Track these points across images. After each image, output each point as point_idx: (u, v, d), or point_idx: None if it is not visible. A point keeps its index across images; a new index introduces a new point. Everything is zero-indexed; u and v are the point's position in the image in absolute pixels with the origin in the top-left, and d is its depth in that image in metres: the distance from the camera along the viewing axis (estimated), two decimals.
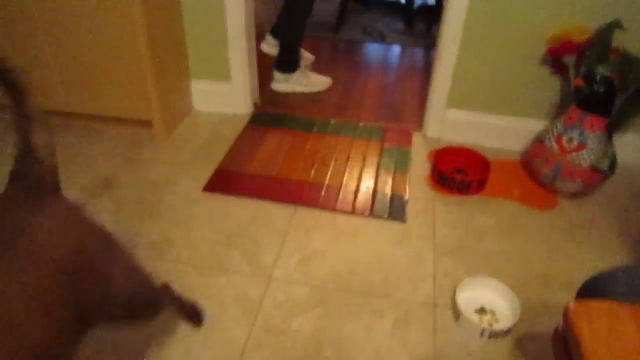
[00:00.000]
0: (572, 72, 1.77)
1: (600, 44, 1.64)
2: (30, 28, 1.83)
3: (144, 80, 1.86)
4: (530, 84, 1.88)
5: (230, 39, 2.01)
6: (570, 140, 1.62)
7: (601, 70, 1.54)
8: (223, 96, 2.16)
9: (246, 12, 1.97)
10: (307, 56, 2.70)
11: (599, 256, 1.51)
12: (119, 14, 1.75)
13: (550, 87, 1.88)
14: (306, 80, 2.41)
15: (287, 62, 2.37)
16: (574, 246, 1.54)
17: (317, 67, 2.61)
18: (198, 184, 1.75)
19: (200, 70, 2.14)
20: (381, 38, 3.07)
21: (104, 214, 1.60)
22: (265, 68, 2.50)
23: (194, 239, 1.51)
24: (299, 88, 2.42)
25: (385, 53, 2.88)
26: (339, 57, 2.80)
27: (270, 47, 2.60)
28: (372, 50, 2.91)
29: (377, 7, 3.64)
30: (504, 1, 1.74)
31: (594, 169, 1.61)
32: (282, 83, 2.40)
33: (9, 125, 2.06)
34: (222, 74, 2.12)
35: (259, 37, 2.57)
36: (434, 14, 3.25)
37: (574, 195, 1.76)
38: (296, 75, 2.40)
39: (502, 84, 1.91)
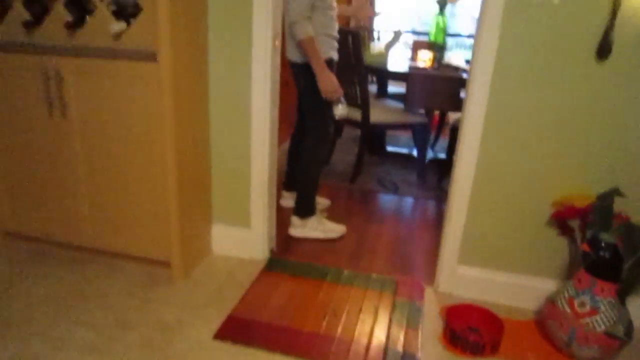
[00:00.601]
0: (578, 236, 1.83)
1: (602, 210, 1.72)
2: (73, 164, 2.03)
3: (168, 222, 1.98)
4: (539, 243, 1.94)
5: (253, 187, 2.17)
6: (582, 304, 1.62)
7: (605, 237, 1.60)
8: (241, 241, 2.25)
9: (270, 162, 2.15)
10: (322, 201, 2.85)
11: None
12: (153, 162, 1.93)
13: (559, 247, 1.93)
14: (321, 227, 2.51)
15: (304, 208, 2.50)
16: None
17: (332, 215, 2.73)
18: (209, 330, 1.75)
19: (221, 215, 2.26)
20: (395, 189, 3.24)
21: (111, 357, 1.59)
22: (281, 215, 2.63)
23: None
24: (314, 234, 2.51)
25: (398, 204, 3.02)
26: (354, 207, 2.94)
27: (287, 200, 2.77)
28: (386, 201, 3.06)
29: (391, 159, 3.90)
30: (510, 163, 1.88)
31: (609, 335, 1.59)
32: (299, 228, 2.51)
33: (31, 254, 2.15)
34: (242, 219, 2.24)
35: (281, 186, 2.75)
36: (445, 168, 3.46)
37: None
38: (312, 221, 2.50)
39: (512, 242, 1.97)
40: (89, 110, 1.93)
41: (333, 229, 2.53)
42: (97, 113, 1.92)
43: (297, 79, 2.42)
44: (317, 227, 2.51)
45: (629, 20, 1.64)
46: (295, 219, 2.51)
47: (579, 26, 1.68)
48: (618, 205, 1.76)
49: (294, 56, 2.34)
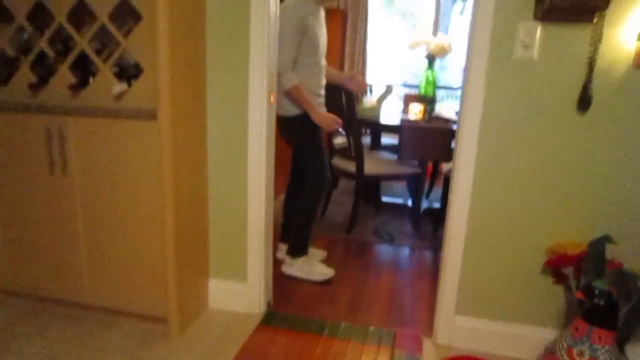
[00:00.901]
0: (572, 283, 1.85)
1: (594, 257, 1.74)
2: (71, 221, 2.05)
3: (165, 278, 1.98)
4: (535, 291, 1.95)
5: (250, 241, 2.18)
6: (581, 353, 1.61)
7: (598, 285, 1.62)
8: (238, 295, 2.24)
9: (266, 215, 2.17)
10: (319, 253, 2.87)
11: None
12: (151, 218, 1.95)
13: (555, 295, 1.93)
14: (307, 269, 2.60)
15: (295, 247, 2.60)
16: None
17: (329, 267, 2.73)
18: None
19: (218, 270, 2.27)
20: (391, 240, 3.26)
21: None
22: (278, 268, 2.64)
23: None
24: (299, 274, 2.60)
25: (395, 255, 3.03)
26: (351, 258, 2.94)
27: (284, 252, 2.80)
28: (382, 251, 3.07)
29: (386, 209, 3.94)
30: (502, 212, 1.91)
31: None
32: (288, 266, 2.62)
33: (26, 311, 2.13)
34: (239, 273, 2.24)
35: (277, 238, 2.78)
36: (440, 217, 3.49)
37: None
38: (300, 262, 2.60)
39: (508, 291, 1.97)
40: (89, 168, 1.97)
41: (319, 272, 2.60)
42: (97, 170, 1.97)
43: (284, 132, 2.52)
44: (303, 269, 2.60)
45: (605, 74, 1.73)
46: (287, 257, 2.62)
47: (559, 80, 1.77)
48: (611, 251, 1.79)
49: (280, 110, 2.44)
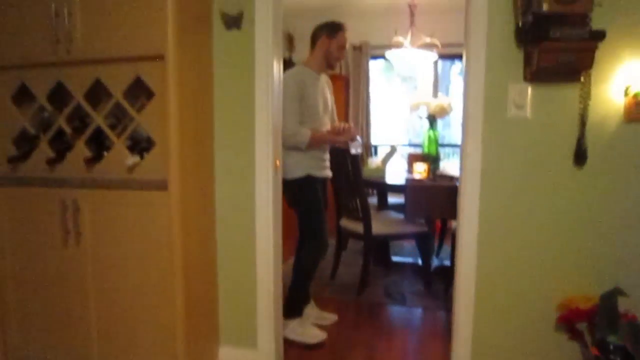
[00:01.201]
0: (588, 339, 1.81)
1: (606, 311, 1.72)
2: (83, 291, 2.07)
3: (175, 347, 1.96)
4: (550, 349, 1.91)
5: (259, 307, 2.18)
6: None
7: (613, 340, 1.59)
8: None
9: (275, 281, 2.18)
10: (329, 317, 2.83)
11: None
12: (162, 287, 1.97)
13: (571, 352, 1.89)
14: (300, 330, 2.57)
15: (289, 309, 2.57)
16: None
17: (340, 331, 2.69)
18: None
19: (228, 337, 2.25)
20: (402, 300, 3.22)
21: None
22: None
23: None
24: (292, 336, 2.56)
25: (407, 316, 2.98)
26: (362, 320, 2.90)
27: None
28: (394, 312, 3.03)
29: (397, 269, 3.91)
30: (510, 267, 1.92)
31: None
32: (284, 328, 2.57)
33: None
34: (249, 340, 2.22)
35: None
36: (451, 275, 3.45)
37: None
38: (293, 323, 2.58)
39: (522, 350, 1.93)
40: (102, 238, 2.02)
41: (311, 335, 2.56)
42: (109, 240, 2.01)
43: (286, 194, 2.59)
44: (297, 331, 2.57)
45: (598, 129, 1.79)
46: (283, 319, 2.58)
47: (554, 136, 1.83)
48: (625, 304, 1.76)
49: (282, 173, 2.51)
